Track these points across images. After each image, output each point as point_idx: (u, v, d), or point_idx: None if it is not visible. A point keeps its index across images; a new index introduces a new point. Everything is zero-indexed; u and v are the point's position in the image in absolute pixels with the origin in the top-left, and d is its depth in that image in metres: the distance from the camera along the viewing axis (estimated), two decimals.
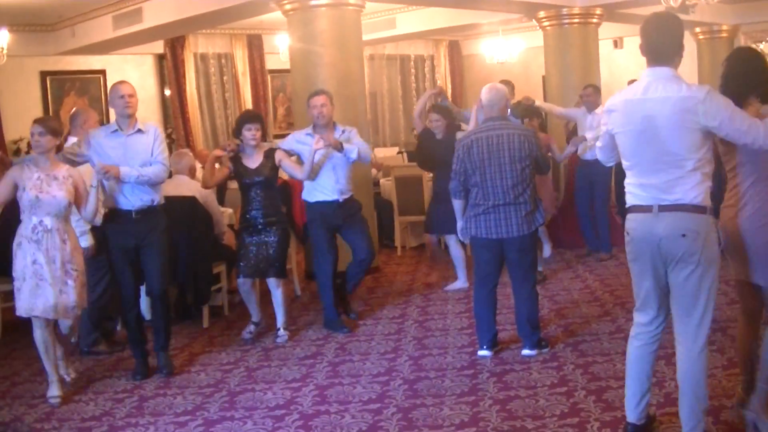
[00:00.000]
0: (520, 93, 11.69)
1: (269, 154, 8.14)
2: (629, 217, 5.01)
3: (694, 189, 4.74)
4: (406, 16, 16.88)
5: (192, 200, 8.59)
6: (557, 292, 9.50)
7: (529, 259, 7.33)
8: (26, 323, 7.14)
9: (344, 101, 10.53)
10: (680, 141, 4.71)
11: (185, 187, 8.75)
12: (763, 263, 5.03)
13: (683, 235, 4.75)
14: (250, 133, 8.06)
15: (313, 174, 8.27)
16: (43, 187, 6.66)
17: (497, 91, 7.32)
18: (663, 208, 4.80)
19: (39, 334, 6.75)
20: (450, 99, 20.65)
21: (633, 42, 18.67)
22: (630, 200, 5.01)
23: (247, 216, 8.20)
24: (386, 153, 18.32)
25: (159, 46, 16.71)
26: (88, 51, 15.62)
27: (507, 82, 10.50)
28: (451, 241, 9.95)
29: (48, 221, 6.66)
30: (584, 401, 6.04)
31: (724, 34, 18.55)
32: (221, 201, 10.31)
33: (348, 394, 6.55)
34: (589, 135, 10.67)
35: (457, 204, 7.45)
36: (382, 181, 13.71)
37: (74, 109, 8.87)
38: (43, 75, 15.92)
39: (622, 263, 10.40)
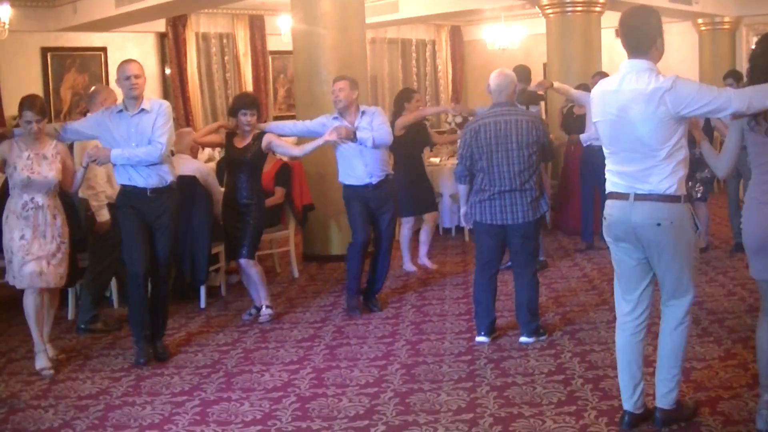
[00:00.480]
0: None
1: (258, 137, 8.12)
2: (608, 203, 5.20)
3: (668, 179, 4.91)
4: (409, 0, 16.87)
5: (192, 179, 8.58)
6: (555, 280, 9.50)
7: (532, 246, 7.34)
8: (19, 300, 7.13)
9: None
10: (652, 131, 4.86)
11: (186, 166, 8.71)
12: None
13: (658, 224, 4.95)
14: (245, 118, 8.07)
15: (344, 158, 8.32)
16: (34, 168, 6.79)
17: (505, 76, 7.28)
18: (638, 197, 4.99)
19: (30, 301, 6.85)
20: (451, 87, 20.78)
21: None
22: (609, 186, 5.20)
23: (229, 197, 8.30)
24: None
25: (161, 25, 16.67)
26: (89, 28, 15.58)
27: (523, 67, 10.59)
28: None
29: (39, 198, 6.81)
30: (581, 389, 6.04)
31: (726, 26, 18.58)
32: (220, 182, 10.27)
33: (345, 377, 6.55)
34: None
35: (462, 189, 7.43)
36: None
37: (94, 86, 8.91)
38: (44, 51, 15.84)
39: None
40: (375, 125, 8.18)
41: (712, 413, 5.45)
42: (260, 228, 8.39)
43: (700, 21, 18.37)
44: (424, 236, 10.39)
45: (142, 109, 7.05)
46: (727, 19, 18.44)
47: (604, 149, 5.21)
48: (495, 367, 6.63)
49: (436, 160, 13.05)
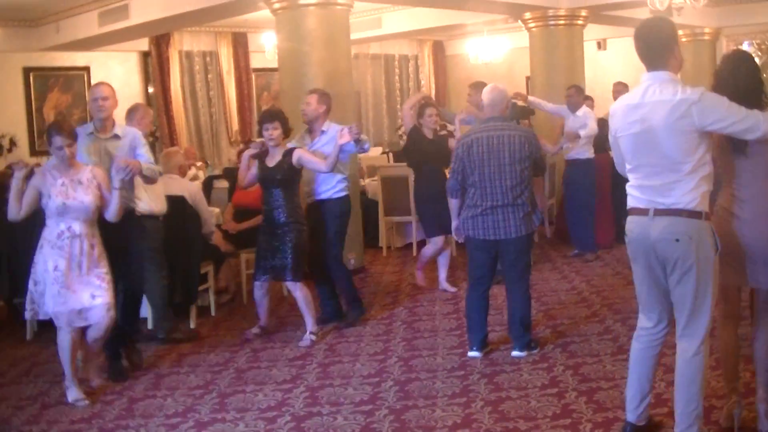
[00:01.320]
0: None
1: (288, 153, 8.04)
2: (629, 219, 5.09)
3: (690, 193, 4.78)
4: (392, 15, 16.94)
5: (181, 200, 8.56)
6: (545, 293, 9.51)
7: (525, 260, 7.36)
8: (7, 324, 7.13)
9: (332, 100, 10.54)
10: (676, 144, 4.76)
11: (175, 186, 8.71)
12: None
13: (677, 240, 4.81)
14: (267, 132, 8.01)
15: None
16: (69, 193, 6.56)
17: (499, 92, 7.32)
18: (658, 212, 4.86)
19: (64, 338, 6.61)
20: (434, 100, 20.77)
21: (617, 43, 18.82)
22: (630, 202, 5.09)
23: (265, 216, 8.18)
24: (370, 153, 18.28)
25: (144, 44, 16.71)
26: (72, 47, 15.59)
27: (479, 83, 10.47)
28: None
29: (76, 227, 6.58)
30: (575, 402, 6.04)
31: (707, 37, 18.70)
32: (207, 201, 10.27)
33: (339, 395, 6.53)
34: (582, 133, 10.73)
35: (454, 203, 7.43)
36: (367, 180, 13.70)
37: (134, 103, 9.03)
38: (27, 71, 15.87)
39: (607, 264, 10.50)
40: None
41: (706, 422, 5.38)
42: (302, 247, 8.13)
43: (681, 33, 18.44)
44: (443, 260, 10.05)
45: (115, 135, 7.05)
46: (707, 30, 18.55)
47: (626, 164, 5.09)
48: (488, 381, 6.62)
49: None
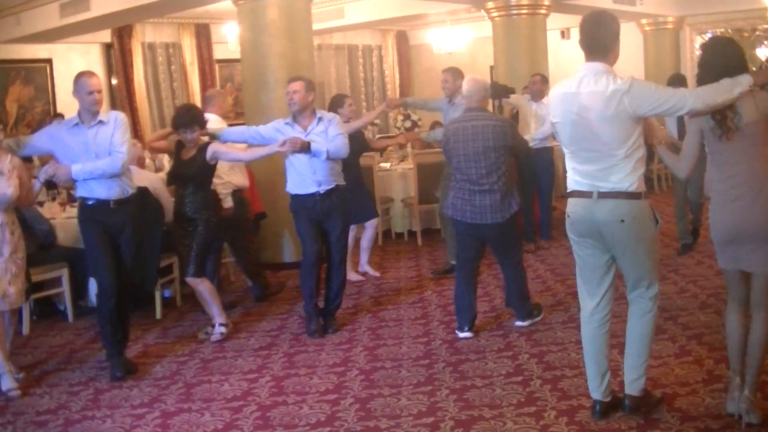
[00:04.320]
0: None
1: (202, 148, 7.81)
2: (570, 201, 5.34)
3: (628, 177, 5.07)
4: (355, 5, 16.95)
5: (143, 190, 8.51)
6: None
7: (510, 241, 7.66)
8: None
9: None
10: (611, 132, 5.01)
11: (136, 176, 8.65)
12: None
13: (621, 221, 5.11)
14: (186, 136, 7.80)
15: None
16: None
17: (476, 82, 7.61)
18: (602, 195, 5.14)
19: None
20: (398, 91, 20.83)
21: None
22: (571, 185, 5.34)
23: (176, 210, 8.07)
24: None
25: (106, 35, 16.60)
26: (33, 39, 15.43)
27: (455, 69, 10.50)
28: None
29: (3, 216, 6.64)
30: (540, 390, 6.09)
31: (670, 26, 18.79)
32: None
33: (305, 384, 6.56)
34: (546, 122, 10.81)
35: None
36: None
37: (211, 90, 9.56)
38: None
39: (572, 253, 10.52)
40: (330, 135, 7.81)
41: (670, 410, 5.51)
42: (206, 244, 8.01)
43: (644, 21, 18.56)
44: (366, 243, 10.29)
45: (100, 121, 6.99)
46: (670, 19, 18.64)
47: (564, 149, 5.32)
48: (453, 370, 6.66)
49: (387, 165, 13.06)
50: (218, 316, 8.04)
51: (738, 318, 5.33)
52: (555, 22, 16.75)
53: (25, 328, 8.51)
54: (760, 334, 5.17)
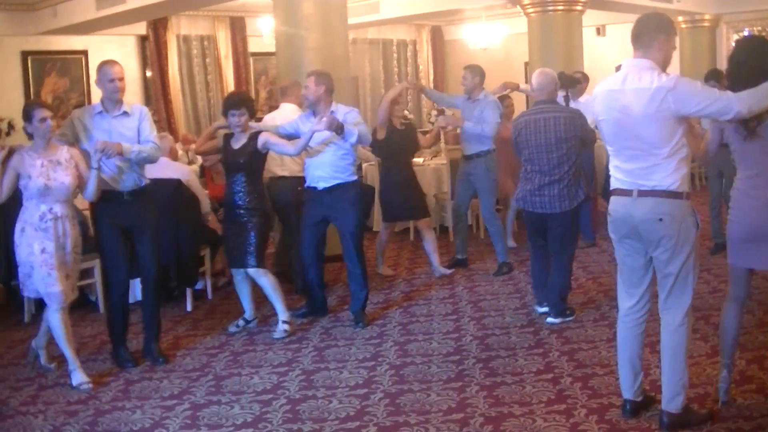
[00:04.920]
0: (502, 78, 11.61)
1: (253, 136, 7.76)
2: (612, 199, 5.28)
3: (670, 176, 4.98)
4: (390, 0, 16.87)
5: (177, 182, 8.56)
6: None
7: (569, 233, 7.89)
8: (5, 306, 7.13)
9: (333, 81, 10.62)
10: (654, 130, 4.93)
11: (170, 169, 8.71)
12: None
13: (660, 219, 5.01)
14: (234, 119, 7.72)
15: (313, 152, 8.03)
16: (50, 174, 6.56)
17: (546, 75, 7.91)
18: (642, 193, 5.06)
19: (58, 319, 6.63)
20: (432, 86, 20.77)
21: (615, 30, 18.80)
22: (613, 183, 5.28)
23: (226, 202, 7.99)
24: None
25: (141, 27, 16.65)
26: (69, 31, 15.52)
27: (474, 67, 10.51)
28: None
29: (57, 208, 6.61)
30: (570, 388, 6.06)
31: (706, 24, 18.68)
32: (203, 184, 10.27)
33: (335, 379, 6.55)
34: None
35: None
36: (364, 165, 13.64)
37: (289, 80, 9.78)
38: (24, 55, 15.79)
39: (604, 251, 10.48)
40: (350, 122, 7.88)
41: (701, 409, 5.45)
42: (265, 233, 7.99)
43: (680, 19, 18.43)
44: (429, 246, 10.00)
45: (124, 112, 7.02)
46: (707, 17, 18.53)
47: (607, 147, 5.28)
48: (483, 366, 6.64)
49: (420, 160, 13.03)
50: (282, 312, 7.91)
51: (737, 314, 5.47)
52: (590, 18, 16.66)
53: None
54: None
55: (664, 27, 5.08)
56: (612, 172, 5.27)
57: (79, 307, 8.99)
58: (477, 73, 9.73)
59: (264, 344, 7.58)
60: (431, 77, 21.92)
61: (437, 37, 22.10)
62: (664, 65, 5.02)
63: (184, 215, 8.57)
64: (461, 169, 10.15)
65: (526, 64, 16.55)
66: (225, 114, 7.86)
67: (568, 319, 7.75)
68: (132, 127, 7.04)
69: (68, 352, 6.71)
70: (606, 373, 6.25)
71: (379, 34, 20.58)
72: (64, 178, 6.60)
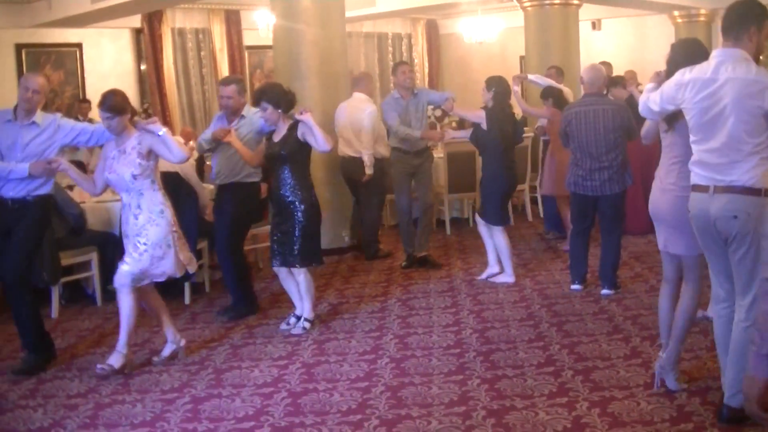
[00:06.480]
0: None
1: (293, 126, 7.51)
2: (691, 195, 5.16)
3: (749, 171, 4.82)
4: None
5: (175, 175, 8.52)
6: (539, 273, 9.54)
7: (619, 213, 8.58)
8: (3, 299, 7.10)
9: (326, 79, 10.79)
10: (741, 124, 4.81)
11: (167, 162, 8.64)
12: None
13: (735, 217, 4.86)
14: (264, 113, 7.58)
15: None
16: (114, 166, 6.65)
17: (596, 70, 8.64)
18: (718, 189, 4.94)
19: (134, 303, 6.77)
20: (426, 81, 20.73)
21: (611, 24, 18.78)
22: (692, 178, 5.15)
23: (272, 196, 7.82)
24: None
25: (136, 20, 16.64)
26: (64, 24, 15.52)
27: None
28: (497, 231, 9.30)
29: (124, 197, 6.75)
30: (572, 381, 6.06)
31: (702, 18, 18.66)
32: (201, 177, 10.22)
33: (335, 372, 6.54)
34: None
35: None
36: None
37: (360, 72, 10.89)
38: (19, 47, 15.81)
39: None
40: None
41: (703, 403, 5.48)
42: (312, 228, 7.68)
43: (676, 13, 18.44)
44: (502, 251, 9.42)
45: (33, 122, 6.96)
46: (703, 11, 18.53)
47: (690, 137, 5.12)
48: (484, 360, 6.63)
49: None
50: (308, 311, 7.77)
51: (669, 295, 5.76)
52: (586, 13, 16.67)
53: (54, 312, 8.55)
54: (684, 306, 5.59)
55: (755, 16, 4.90)
56: (691, 166, 5.12)
57: (76, 300, 9.02)
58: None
59: (263, 337, 7.56)
60: (426, 71, 21.91)
61: (432, 30, 22.09)
62: (756, 56, 4.91)
63: (182, 208, 8.51)
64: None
65: (522, 58, 16.55)
66: (256, 104, 7.74)
67: (618, 290, 8.42)
68: (41, 140, 6.96)
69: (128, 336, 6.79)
70: (607, 366, 6.26)
71: (374, 27, 20.58)
72: (120, 168, 6.64)
